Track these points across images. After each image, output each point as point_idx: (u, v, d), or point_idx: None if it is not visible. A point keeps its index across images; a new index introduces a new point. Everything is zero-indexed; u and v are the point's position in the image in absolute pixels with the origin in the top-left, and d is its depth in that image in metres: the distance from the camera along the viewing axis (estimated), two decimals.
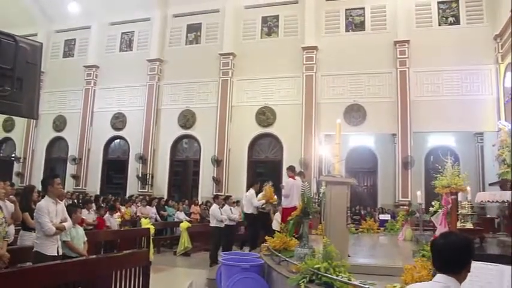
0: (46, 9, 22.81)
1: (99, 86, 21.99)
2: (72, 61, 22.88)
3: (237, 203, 15.44)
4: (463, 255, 2.41)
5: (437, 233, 6.64)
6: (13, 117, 21.27)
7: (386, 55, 17.47)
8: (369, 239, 11.02)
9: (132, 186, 20.22)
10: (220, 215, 11.29)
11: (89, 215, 10.64)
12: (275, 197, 11.41)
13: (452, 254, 2.39)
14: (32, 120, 20.07)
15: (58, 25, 23.18)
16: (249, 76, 19.11)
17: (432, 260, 2.50)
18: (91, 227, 10.06)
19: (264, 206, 11.11)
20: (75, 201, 14.47)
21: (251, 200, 11.19)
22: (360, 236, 11.45)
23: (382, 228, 13.04)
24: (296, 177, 10.49)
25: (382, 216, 16.00)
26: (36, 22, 22.91)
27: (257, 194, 11.43)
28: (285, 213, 9.28)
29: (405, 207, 12.83)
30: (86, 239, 6.68)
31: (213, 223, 11.33)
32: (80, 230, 6.63)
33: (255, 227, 11.04)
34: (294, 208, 7.69)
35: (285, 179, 11.14)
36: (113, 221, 11.06)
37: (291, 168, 10.79)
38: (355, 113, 17.54)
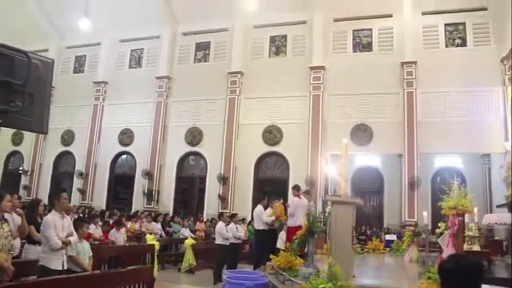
0: (57, 25, 23.14)
1: (108, 102, 22.14)
2: (82, 77, 23.12)
3: (243, 220, 15.42)
4: (473, 278, 2.34)
5: (444, 254, 6.60)
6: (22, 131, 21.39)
7: (394, 76, 17.54)
8: (374, 260, 11.02)
9: (138, 202, 20.27)
10: (226, 233, 11.25)
11: (96, 230, 10.65)
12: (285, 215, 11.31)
13: (462, 278, 2.32)
14: (40, 134, 20.08)
15: (69, 41, 23.47)
16: (257, 95, 19.22)
17: (441, 283, 2.43)
18: (98, 242, 10.08)
19: (273, 222, 11.01)
20: (81, 215, 14.41)
21: (260, 216, 11.09)
22: (365, 257, 11.39)
23: (388, 248, 13.00)
24: (301, 196, 10.47)
25: (388, 237, 15.94)
26: (48, 38, 23.23)
27: (264, 209, 11.36)
28: (290, 232, 9.25)
29: (411, 227, 12.69)
30: (91, 254, 6.65)
31: (218, 240, 11.27)
32: (86, 245, 6.60)
33: (266, 244, 10.94)
34: (299, 227, 7.65)
35: (291, 198, 11.11)
36: (119, 236, 10.95)
37: (296, 187, 10.74)
38: (361, 133, 17.56)
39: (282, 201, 11.47)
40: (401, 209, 17.28)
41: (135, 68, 22.19)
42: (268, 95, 18.99)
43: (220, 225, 11.45)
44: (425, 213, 10.88)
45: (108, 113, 22.03)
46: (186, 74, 20.74)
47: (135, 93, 21.30)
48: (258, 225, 11.22)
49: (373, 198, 20.76)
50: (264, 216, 11.02)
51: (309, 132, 17.98)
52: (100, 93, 22.22)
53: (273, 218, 10.90)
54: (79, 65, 23.61)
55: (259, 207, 11.38)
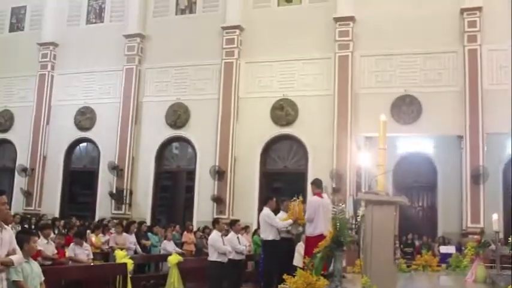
0: None
1: (59, 71, 22.10)
2: (21, 37, 23.14)
3: (246, 229, 15.45)
4: None
5: None
6: None
7: (451, 28, 17.53)
8: (425, 280, 10.80)
9: (104, 207, 20.27)
10: (222, 246, 11.19)
11: (47, 246, 10.45)
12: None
13: None
14: None
15: None
16: (262, 57, 19.13)
17: None
18: (50, 262, 9.99)
19: (289, 228, 10.99)
20: (27, 226, 14.47)
21: (269, 222, 11.09)
22: (413, 276, 11.04)
23: (443, 265, 12.47)
24: (324, 195, 10.50)
25: (443, 249, 15.99)
26: None
27: (274, 213, 11.31)
28: (310, 244, 9.21)
29: (476, 236, 12.56)
30: (43, 278, 6.56)
31: (212, 257, 11.22)
32: (35, 266, 6.50)
33: (277, 259, 10.88)
34: (321, 236, 7.68)
35: (309, 198, 11.17)
36: (81, 253, 11.03)
37: (316, 183, 10.70)
38: (406, 108, 17.57)
39: (301, 198, 11.39)
40: (461, 211, 17.30)
41: (95, 23, 22.20)
42: (278, 58, 18.93)
43: (215, 235, 11.40)
44: (495, 217, 10.52)
45: (59, 86, 21.97)
46: (165, 31, 20.73)
47: (96, 58, 21.17)
48: (266, 235, 11.15)
49: (423, 197, 20.75)
50: (274, 220, 11.02)
51: (334, 108, 17.96)
52: (47, 59, 22.21)
53: (290, 221, 10.85)
54: (17, 21, 23.62)
55: (266, 210, 11.32)
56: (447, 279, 11.07)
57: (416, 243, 18.41)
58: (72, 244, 11.10)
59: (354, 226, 9.62)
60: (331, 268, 6.47)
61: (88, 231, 14.51)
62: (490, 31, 17.10)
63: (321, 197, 10.37)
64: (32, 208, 20.97)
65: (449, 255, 13.24)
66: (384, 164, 6.27)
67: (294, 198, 11.35)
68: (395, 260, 6.03)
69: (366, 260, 5.94)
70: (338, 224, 6.30)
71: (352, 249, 8.37)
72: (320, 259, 6.46)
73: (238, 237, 11.80)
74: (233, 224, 12.27)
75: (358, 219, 7.28)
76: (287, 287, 6.64)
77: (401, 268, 10.72)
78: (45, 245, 10.23)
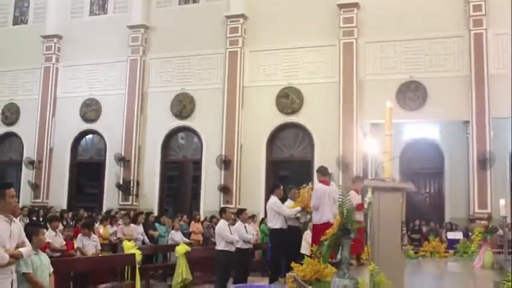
0: None
1: (63, 63, 22.18)
2: (25, 30, 23.19)
3: (253, 218, 15.51)
4: None
5: None
6: None
7: (456, 12, 17.55)
8: (433, 266, 10.96)
9: (111, 198, 20.42)
10: (230, 235, 11.22)
11: (55, 238, 10.34)
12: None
13: None
14: None
15: None
16: (267, 46, 19.16)
17: None
18: (59, 254, 9.97)
19: (298, 215, 11.02)
20: (35, 218, 14.66)
21: (277, 210, 11.01)
22: (420, 262, 11.36)
23: (451, 251, 12.91)
24: (332, 183, 10.46)
25: (451, 235, 16.07)
26: None
27: (281, 202, 11.25)
28: (317, 231, 9.24)
29: (483, 222, 12.67)
30: (52, 269, 6.57)
31: (220, 246, 11.25)
32: (44, 258, 6.51)
33: (285, 248, 10.89)
34: (328, 224, 7.69)
35: (316, 185, 10.82)
36: (89, 244, 11.00)
37: (321, 171, 10.60)
38: (412, 93, 17.61)
39: (310, 185, 11.29)
40: (468, 196, 17.36)
41: (99, 15, 22.26)
42: (282, 46, 18.91)
43: (222, 224, 11.44)
44: (502, 202, 10.48)
45: (64, 78, 22.06)
46: (168, 21, 20.78)
47: (100, 50, 21.21)
48: (273, 224, 11.08)
49: (430, 183, 20.81)
50: (282, 208, 10.95)
51: (340, 95, 17.99)
52: (52, 52, 22.29)
53: (298, 208, 10.85)
54: (20, 14, 23.66)
55: (274, 198, 11.28)
56: (455, 265, 11.19)
57: (424, 229, 18.46)
58: (80, 235, 11.08)
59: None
60: (338, 256, 6.10)
61: (96, 223, 14.52)
62: (496, 15, 16.99)
63: (328, 184, 10.30)
64: (40, 200, 21.09)
65: (456, 241, 13.59)
66: (390, 151, 6.19)
67: (304, 185, 11.34)
68: (402, 247, 6.02)
69: (373, 247, 5.90)
70: (345, 211, 5.98)
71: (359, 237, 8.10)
72: (328, 247, 6.08)
73: (245, 226, 11.85)
74: (240, 213, 12.29)
75: (366, 207, 7.22)
76: (295, 274, 6.82)
77: (409, 254, 11.01)
78: (53, 237, 10.21)
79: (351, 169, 17.28)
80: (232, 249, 11.21)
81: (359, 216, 8.43)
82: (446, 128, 19.90)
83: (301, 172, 18.47)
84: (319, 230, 8.74)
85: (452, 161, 19.87)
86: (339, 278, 5.78)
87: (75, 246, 10.87)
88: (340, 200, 6.21)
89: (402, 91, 17.62)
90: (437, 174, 20.60)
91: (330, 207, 9.63)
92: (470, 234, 13.47)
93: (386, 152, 6.19)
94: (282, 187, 11.73)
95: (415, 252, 12.24)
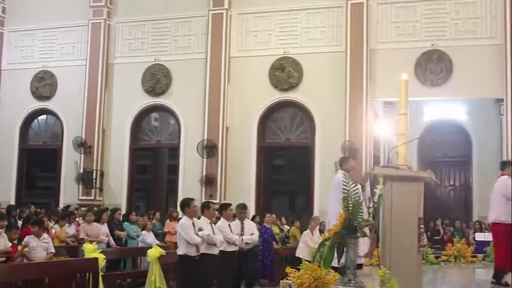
0: None
1: (9, 27, 21.59)
2: None
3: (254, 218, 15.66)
4: None
5: None
6: None
7: None
8: (458, 274, 11.29)
9: (69, 192, 20.04)
10: (193, 235, 10.36)
11: (0, 239, 10.45)
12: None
13: None
14: None
15: None
16: (257, 7, 18.77)
17: None
18: (3, 258, 10.02)
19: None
20: None
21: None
22: (442, 268, 11.71)
23: (479, 255, 13.22)
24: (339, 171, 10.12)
25: (479, 236, 16.05)
26: None
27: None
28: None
29: None
30: None
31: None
32: None
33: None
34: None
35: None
36: (39, 247, 10.67)
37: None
38: (434, 66, 17.07)
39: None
40: None
41: None
42: (277, 7, 18.47)
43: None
44: None
45: (10, 46, 21.57)
46: None
47: (55, 12, 20.60)
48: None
49: (455, 174, 20.80)
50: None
51: (346, 67, 17.46)
52: None
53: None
54: None
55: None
56: (484, 273, 11.20)
57: (447, 229, 18.62)
58: (27, 237, 10.79)
59: (370, 208, 9.10)
60: (343, 259, 6.58)
61: (48, 221, 13.92)
62: None
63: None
64: None
65: (486, 243, 13.67)
66: (405, 133, 6.46)
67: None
68: (419, 248, 6.32)
69: (385, 248, 6.14)
70: (351, 205, 6.43)
71: (369, 237, 8.21)
72: (329, 248, 6.57)
73: (229, 225, 11.73)
74: (225, 208, 12.02)
75: (375, 200, 7.52)
76: (290, 282, 6.94)
77: (428, 259, 11.77)
78: None
79: (359, 157, 16.65)
80: (215, 252, 10.75)
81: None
82: (475, 108, 19.94)
83: (299, 160, 18.54)
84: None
85: (482, 147, 19.84)
86: (343, 285, 6.31)
87: (19, 248, 10.62)
88: (346, 191, 6.77)
89: (422, 63, 17.08)
90: (464, 163, 20.68)
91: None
92: None
93: (401, 134, 6.48)
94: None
95: (436, 257, 12.68)
